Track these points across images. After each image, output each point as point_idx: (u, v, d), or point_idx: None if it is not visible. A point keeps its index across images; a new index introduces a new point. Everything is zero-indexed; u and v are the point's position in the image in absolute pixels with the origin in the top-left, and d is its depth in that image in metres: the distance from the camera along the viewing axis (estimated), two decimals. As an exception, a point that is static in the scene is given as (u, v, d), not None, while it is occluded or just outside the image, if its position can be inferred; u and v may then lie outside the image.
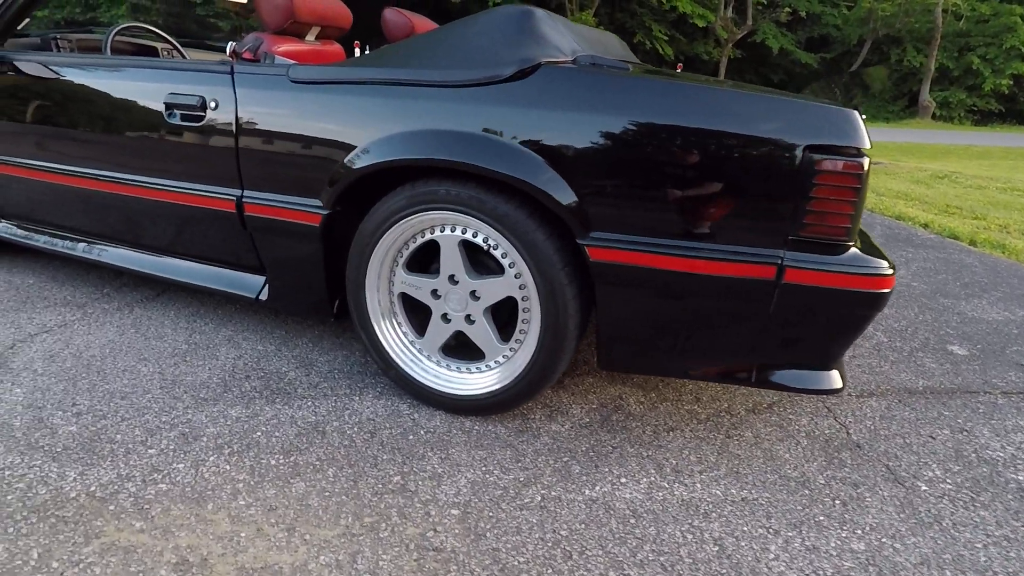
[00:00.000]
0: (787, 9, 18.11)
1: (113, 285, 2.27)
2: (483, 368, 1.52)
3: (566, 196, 1.27)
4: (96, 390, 1.57)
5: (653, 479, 1.37)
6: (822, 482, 1.39)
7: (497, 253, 1.40)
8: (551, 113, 1.27)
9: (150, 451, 1.35)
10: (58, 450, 1.34)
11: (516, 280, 1.41)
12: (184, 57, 2.46)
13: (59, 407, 1.49)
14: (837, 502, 1.33)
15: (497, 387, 1.47)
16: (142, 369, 1.69)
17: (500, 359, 1.49)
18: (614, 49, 1.90)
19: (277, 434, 1.44)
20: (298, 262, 1.61)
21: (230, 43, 1.70)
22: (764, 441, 1.54)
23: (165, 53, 2.44)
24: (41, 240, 2.11)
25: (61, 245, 2.07)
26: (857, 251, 1.20)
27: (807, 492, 1.36)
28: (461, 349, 1.56)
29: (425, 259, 1.54)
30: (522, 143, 1.28)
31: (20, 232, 2.15)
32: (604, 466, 1.41)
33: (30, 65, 1.84)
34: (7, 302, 2.08)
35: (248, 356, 1.80)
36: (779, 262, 1.19)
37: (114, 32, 2.09)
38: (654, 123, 1.21)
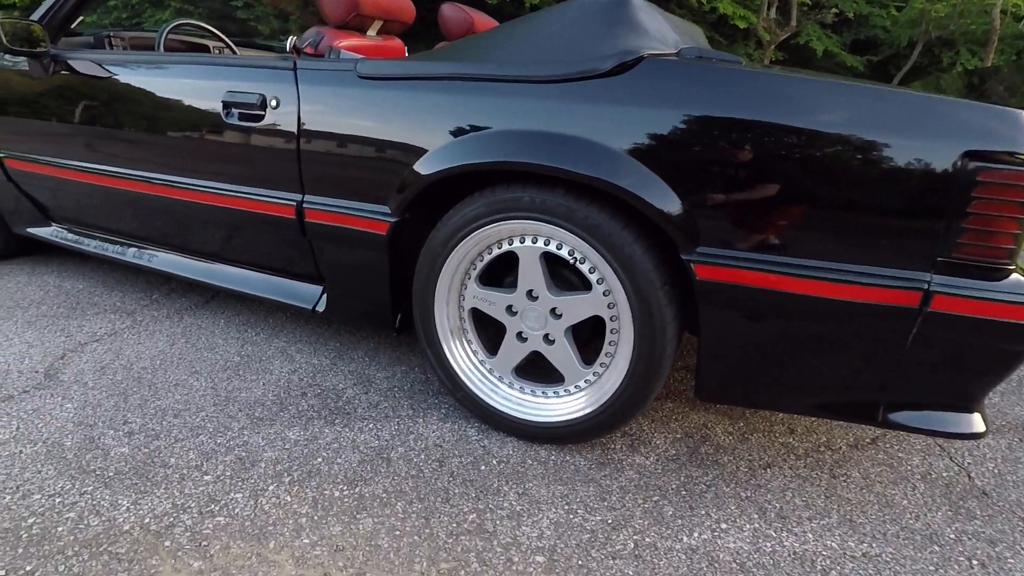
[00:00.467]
0: (834, 10, 17.55)
1: (161, 291, 2.20)
2: (561, 393, 1.38)
3: (672, 206, 1.12)
4: (148, 406, 1.48)
5: (757, 526, 1.22)
6: (952, 537, 1.22)
7: (584, 268, 1.26)
8: (657, 112, 1.13)
9: (206, 477, 1.25)
10: (110, 475, 1.24)
11: (605, 298, 1.27)
12: (237, 55, 2.38)
13: (110, 425, 1.40)
14: (974, 562, 1.16)
15: (580, 415, 1.33)
16: (194, 383, 1.60)
17: (582, 384, 1.35)
18: (701, 41, 1.75)
19: (339, 460, 1.32)
20: (361, 272, 1.49)
21: (291, 38, 1.60)
22: (875, 484, 1.36)
23: (217, 52, 2.37)
24: (91, 245, 2.05)
25: (111, 250, 2.01)
26: (1020, 277, 1.03)
27: (937, 549, 1.18)
28: (531, 370, 1.43)
29: (498, 271, 1.41)
30: (623, 146, 1.14)
31: (71, 236, 2.10)
32: (700, 508, 1.25)
33: (83, 63, 1.78)
34: (58, 308, 2.02)
35: (303, 371, 1.69)
36: (925, 287, 1.03)
37: (167, 29, 2.02)
38: (779, 124, 1.05)
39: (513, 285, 1.38)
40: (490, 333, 1.46)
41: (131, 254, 1.97)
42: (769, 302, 1.13)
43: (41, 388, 1.54)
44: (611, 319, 1.28)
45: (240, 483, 1.24)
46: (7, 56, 1.94)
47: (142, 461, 1.29)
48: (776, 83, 1.10)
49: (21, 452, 1.29)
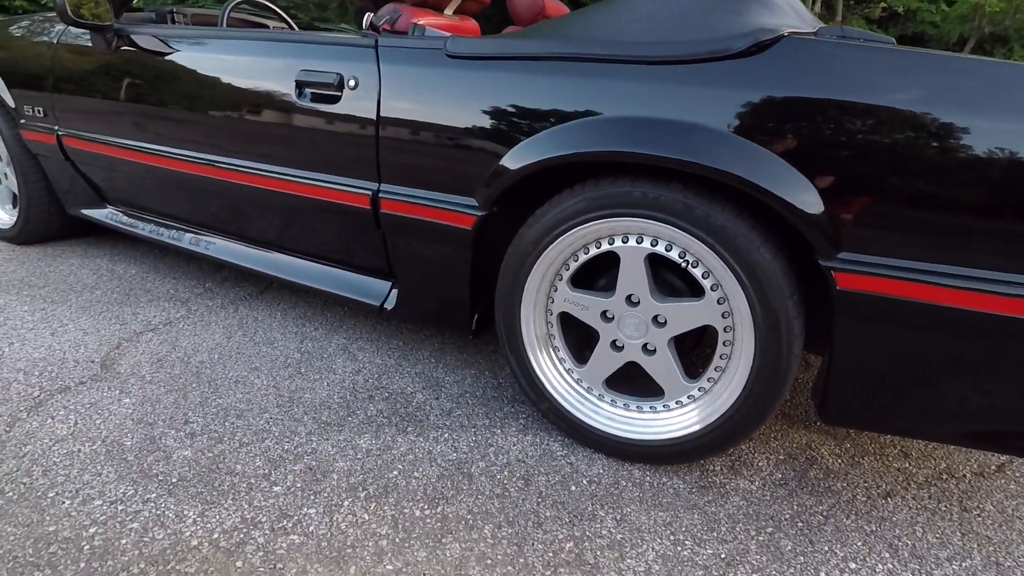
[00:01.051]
0: (881, 4, 16.94)
1: (214, 279, 2.12)
2: (660, 408, 1.25)
3: (814, 205, 0.98)
4: (209, 405, 1.39)
5: (891, 567, 1.07)
6: (1120, 589, 1.06)
7: (697, 272, 1.13)
8: (798, 98, 0.98)
9: (275, 488, 1.15)
10: (173, 481, 1.15)
11: (719, 306, 1.13)
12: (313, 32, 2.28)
13: (171, 424, 1.31)
14: None
15: (684, 433, 1.20)
16: (255, 381, 1.50)
17: (684, 399, 1.22)
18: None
19: (416, 474, 1.21)
20: (439, 269, 1.37)
21: (367, 15, 1.49)
22: (1015, 519, 1.21)
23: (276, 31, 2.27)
24: (146, 229, 1.97)
25: (166, 235, 1.93)
26: None
27: (1106, 604, 1.03)
28: (623, 381, 1.30)
29: (588, 272, 1.28)
30: (756, 136, 1.00)
31: (126, 219, 2.03)
32: (821, 542, 1.11)
33: (147, 39, 1.69)
34: (111, 293, 1.95)
35: (367, 371, 1.59)
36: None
37: (231, 5, 1.92)
38: (945, 115, 0.90)
39: (608, 288, 1.25)
40: (574, 339, 1.34)
41: (187, 240, 1.88)
42: (922, 316, 0.98)
43: (98, 380, 1.46)
44: (724, 330, 1.14)
45: (312, 496, 1.14)
46: (70, 29, 1.87)
47: (206, 467, 1.19)
48: (946, 65, 0.94)
49: (79, 451, 1.21)
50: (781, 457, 1.35)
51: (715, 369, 1.18)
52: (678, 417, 1.22)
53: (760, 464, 1.32)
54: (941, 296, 0.95)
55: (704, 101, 1.03)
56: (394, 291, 1.52)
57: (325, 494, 1.14)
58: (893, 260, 0.97)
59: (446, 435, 1.34)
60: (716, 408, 1.17)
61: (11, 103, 2.02)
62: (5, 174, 2.24)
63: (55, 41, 1.90)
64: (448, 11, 1.68)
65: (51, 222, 2.23)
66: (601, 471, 1.26)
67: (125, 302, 1.90)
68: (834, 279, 1.00)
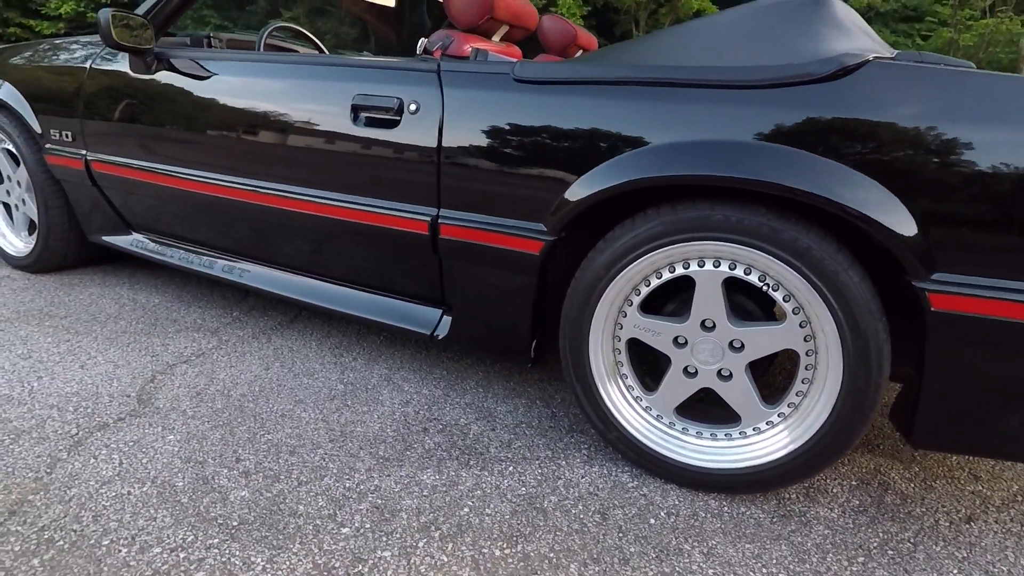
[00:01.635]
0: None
1: (241, 308, 2.07)
2: (735, 436, 1.21)
3: (907, 227, 0.96)
4: (258, 441, 1.33)
5: (992, 600, 1.04)
6: None
7: (777, 295, 1.10)
8: (886, 120, 0.97)
9: (344, 530, 1.09)
10: (234, 524, 1.09)
11: (801, 330, 1.10)
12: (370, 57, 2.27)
13: (222, 463, 1.25)
14: None
15: (763, 462, 1.16)
16: (302, 415, 1.44)
17: (762, 426, 1.18)
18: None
19: (488, 511, 1.16)
20: (500, 296, 1.34)
21: (420, 41, 1.47)
22: (1102, 546, 1.18)
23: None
24: (175, 256, 1.91)
25: (197, 262, 1.87)
26: None
27: None
28: (686, 408, 1.26)
29: (654, 296, 1.25)
30: (846, 159, 0.99)
31: (152, 247, 1.97)
32: (916, 571, 1.07)
33: (185, 62, 1.66)
34: (136, 324, 1.88)
35: (416, 402, 1.53)
36: None
37: (268, 31, 1.90)
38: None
39: (679, 313, 1.22)
40: (639, 366, 1.30)
41: (220, 267, 1.83)
42: (1017, 336, 0.96)
43: (137, 416, 1.39)
44: (807, 353, 1.12)
45: (384, 538, 1.08)
46: (103, 54, 1.83)
47: (267, 508, 1.13)
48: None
49: (130, 493, 1.14)
50: (854, 483, 1.31)
51: (796, 394, 1.15)
52: (759, 444, 1.18)
53: (835, 491, 1.28)
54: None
55: (791, 125, 1.02)
56: (446, 319, 1.48)
57: (397, 535, 1.08)
58: (987, 280, 0.96)
59: (510, 468, 1.29)
60: (800, 435, 1.13)
61: (37, 128, 1.97)
62: (23, 200, 2.18)
63: (87, 66, 1.86)
64: (495, 38, 1.67)
65: (69, 250, 2.17)
66: (677, 502, 1.22)
67: (152, 332, 1.83)
68: (928, 300, 0.98)
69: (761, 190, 1.02)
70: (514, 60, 1.27)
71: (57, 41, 2.05)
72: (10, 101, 2.02)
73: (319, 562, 1.01)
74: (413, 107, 1.31)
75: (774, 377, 1.72)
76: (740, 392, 1.18)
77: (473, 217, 1.29)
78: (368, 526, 1.10)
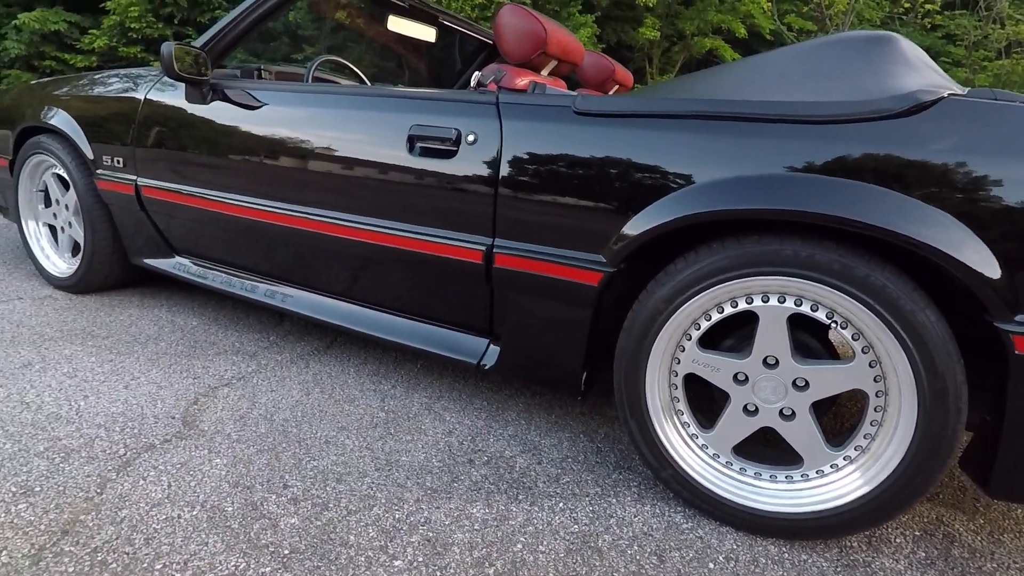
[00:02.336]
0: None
1: (277, 332, 2.07)
2: (797, 478, 1.18)
3: (989, 266, 0.95)
4: (304, 467, 1.31)
5: (1079, 664, 0.98)
6: None
7: (846, 333, 1.08)
8: (966, 157, 0.97)
9: (396, 563, 1.06)
10: (286, 552, 1.06)
11: (870, 370, 1.08)
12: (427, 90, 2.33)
13: (270, 488, 1.23)
14: None
15: (828, 508, 1.12)
16: (346, 442, 1.42)
17: (827, 469, 1.15)
18: None
19: (542, 548, 1.12)
20: (553, 326, 1.33)
21: (475, 74, 1.50)
22: None
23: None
24: (217, 280, 1.93)
25: (238, 286, 1.88)
26: None
27: None
28: (745, 447, 1.23)
29: (716, 332, 1.23)
30: (925, 196, 0.98)
31: (194, 270, 1.99)
32: (993, 635, 1.02)
33: (239, 92, 1.70)
34: (176, 345, 1.88)
35: (459, 432, 1.51)
36: None
37: (316, 63, 1.96)
38: None
39: (738, 349, 1.21)
40: (696, 401, 1.28)
41: (261, 292, 1.84)
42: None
43: (183, 438, 1.38)
44: (876, 394, 1.09)
45: (438, 572, 1.04)
46: (158, 85, 1.89)
47: (317, 537, 1.10)
48: None
49: (179, 516, 1.12)
50: (917, 533, 1.26)
51: (864, 436, 1.11)
52: (824, 488, 1.14)
53: (898, 541, 1.23)
54: None
55: (866, 160, 1.02)
56: (493, 348, 1.46)
57: (451, 570, 1.05)
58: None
59: (560, 504, 1.26)
60: (869, 479, 1.09)
61: (89, 154, 2.02)
62: (69, 223, 2.22)
63: (142, 96, 1.91)
64: (544, 72, 1.70)
65: (111, 272, 2.19)
66: (735, 546, 1.17)
67: (192, 355, 1.83)
68: (1012, 342, 0.95)
69: (838, 226, 1.01)
70: (574, 93, 1.28)
71: (112, 72, 2.12)
72: (65, 128, 2.08)
73: (374, 596, 0.98)
74: (471, 138, 1.33)
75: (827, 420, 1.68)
76: (803, 432, 1.15)
77: (530, 247, 1.29)
78: (421, 559, 1.07)
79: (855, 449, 1.12)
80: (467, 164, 1.33)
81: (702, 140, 1.13)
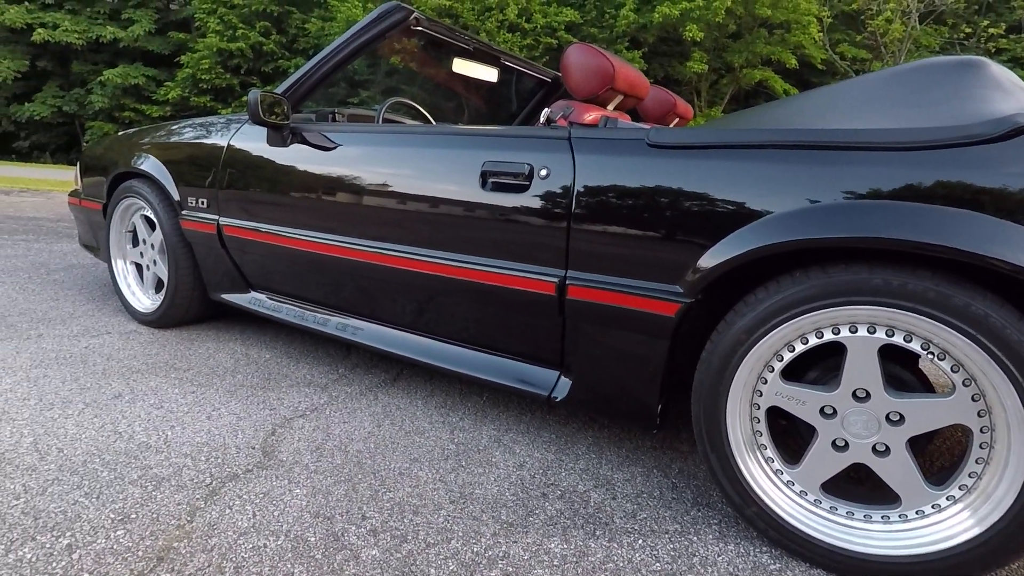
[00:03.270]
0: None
1: (346, 365, 2.12)
2: (894, 519, 1.11)
3: (1106, 293, 0.89)
4: (381, 499, 1.32)
5: None
6: None
7: (944, 365, 1.03)
8: (1072, 180, 0.92)
9: (478, 597, 1.05)
10: (369, 583, 1.07)
11: (973, 404, 1.02)
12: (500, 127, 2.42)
13: (350, 520, 1.24)
14: None
15: (930, 551, 1.05)
16: (420, 474, 1.43)
17: (928, 509, 1.08)
18: None
19: (625, 587, 1.09)
20: (628, 358, 1.32)
21: (544, 111, 1.54)
22: None
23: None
24: (289, 314, 2.01)
25: (311, 319, 1.95)
26: None
27: None
28: (834, 484, 1.17)
29: (800, 363, 1.19)
30: (1020, 221, 0.94)
31: (268, 304, 2.07)
32: None
33: (316, 135, 1.79)
34: (252, 378, 1.96)
35: (530, 466, 1.50)
36: None
37: (386, 105, 2.05)
38: None
39: (825, 381, 1.16)
40: (780, 435, 1.23)
41: (333, 325, 1.90)
42: None
43: (263, 468, 1.42)
44: (981, 430, 1.03)
45: (521, 609, 1.03)
46: (241, 131, 2.01)
47: (398, 569, 1.11)
48: None
49: (265, 546, 1.15)
50: (1031, 583, 1.17)
51: (969, 475, 1.05)
52: (928, 529, 1.07)
53: (1011, 591, 1.14)
54: None
55: (963, 186, 0.98)
56: (564, 380, 1.46)
57: (534, 607, 1.03)
58: None
59: (640, 541, 1.22)
60: (978, 521, 1.02)
61: (176, 196, 2.16)
62: (154, 261, 2.36)
63: (225, 142, 2.04)
64: (610, 107, 1.73)
65: (191, 307, 2.31)
66: (829, 592, 1.11)
67: (268, 387, 1.90)
68: None
69: (931, 253, 0.98)
70: (647, 126, 1.30)
71: (197, 120, 2.28)
72: (154, 172, 2.23)
73: (458, 631, 0.97)
74: (544, 172, 1.35)
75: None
76: (900, 470, 1.09)
77: (604, 279, 1.29)
78: (502, 596, 1.06)
79: (959, 488, 1.06)
80: (540, 198, 1.36)
81: (780, 169, 1.12)
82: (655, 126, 1.31)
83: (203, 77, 17.61)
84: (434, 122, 2.37)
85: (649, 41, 16.96)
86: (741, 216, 1.14)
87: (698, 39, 15.15)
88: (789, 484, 1.20)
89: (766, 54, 16.56)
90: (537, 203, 1.36)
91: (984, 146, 0.99)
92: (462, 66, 2.28)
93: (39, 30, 17.78)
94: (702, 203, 1.18)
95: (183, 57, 18.01)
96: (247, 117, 1.93)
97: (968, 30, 16.53)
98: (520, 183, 1.38)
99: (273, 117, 1.76)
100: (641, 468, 1.52)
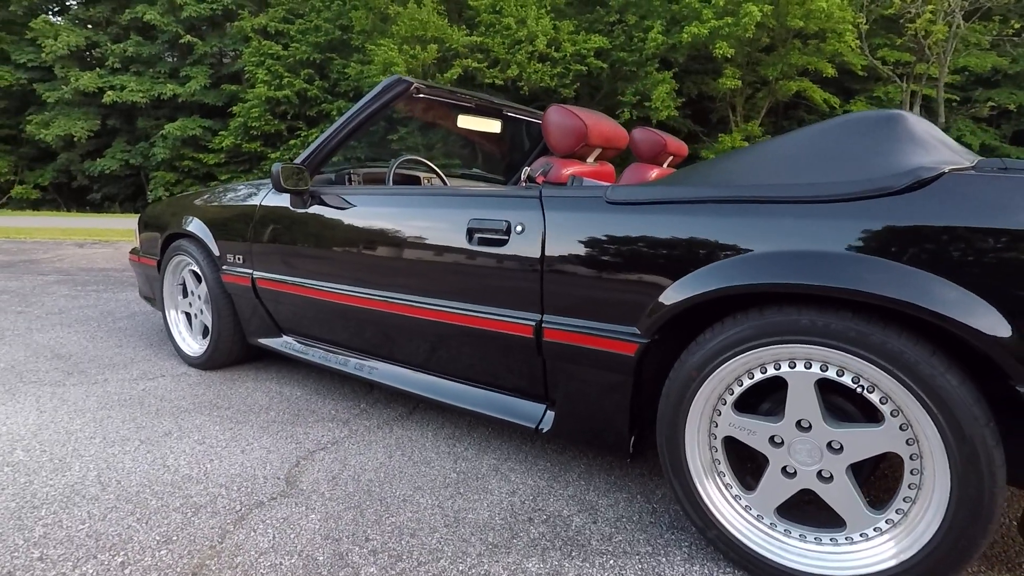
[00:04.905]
0: (989, 103, 16.50)
1: (367, 401, 2.32)
2: (841, 541, 1.20)
3: (1002, 330, 0.98)
4: (383, 523, 1.49)
5: None
6: None
7: (873, 397, 1.13)
8: (969, 228, 1.02)
9: (458, 610, 1.19)
10: (365, 597, 1.23)
11: (902, 433, 1.11)
12: (445, 184, 2.63)
13: (354, 541, 1.41)
14: None
15: (874, 571, 1.14)
16: (420, 500, 1.60)
17: (871, 532, 1.17)
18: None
19: (591, 603, 1.22)
20: (599, 393, 1.45)
21: (524, 169, 1.72)
22: None
23: (427, 180, 2.63)
24: (316, 355, 2.22)
25: (334, 360, 2.16)
26: None
27: None
28: (790, 509, 1.27)
29: (752, 395, 1.30)
30: (926, 265, 1.04)
31: (298, 347, 2.30)
32: None
33: (334, 198, 2.02)
34: (283, 414, 2.17)
35: (522, 492, 1.64)
36: None
37: (396, 164, 2.28)
38: None
39: (774, 413, 1.27)
40: (738, 465, 1.34)
41: (352, 365, 2.10)
42: None
43: (286, 496, 1.61)
44: (911, 457, 1.12)
45: (494, 620, 1.17)
46: (270, 194, 2.27)
47: (392, 585, 1.27)
48: None
49: (281, 564, 1.33)
50: (987, 602, 1.23)
51: (904, 500, 1.13)
52: (867, 551, 1.16)
53: (963, 609, 1.20)
54: None
55: (873, 235, 1.10)
56: (550, 413, 1.60)
57: (506, 619, 1.17)
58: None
59: (611, 561, 1.35)
60: (910, 543, 1.11)
61: (216, 252, 2.44)
62: (201, 310, 2.64)
63: (257, 203, 2.30)
64: (590, 159, 1.89)
65: (233, 350, 2.57)
66: (783, 608, 1.20)
67: (296, 422, 2.11)
68: (1034, 405, 0.97)
69: (845, 297, 1.09)
70: (607, 184, 1.45)
71: (233, 185, 2.57)
72: (198, 232, 2.52)
73: (437, 639, 1.12)
74: (519, 228, 1.52)
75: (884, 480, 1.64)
76: (843, 495, 1.19)
77: (573, 321, 1.44)
78: (480, 609, 1.20)
79: (896, 512, 1.14)
80: (517, 250, 1.53)
81: (717, 223, 1.25)
82: (613, 184, 1.46)
83: (253, 124, 18.76)
84: (441, 173, 2.59)
85: (679, 61, 17.05)
86: (685, 265, 1.28)
87: (729, 55, 15.13)
88: (747, 508, 1.30)
89: (802, 65, 16.35)
90: (515, 255, 1.53)
91: (890, 198, 1.10)
92: (467, 121, 2.49)
93: (109, 92, 19.39)
94: (652, 253, 1.33)
95: (235, 107, 19.23)
96: None
97: (1018, 25, 15.91)
98: (500, 237, 1.56)
99: (293, 185, 2.00)
100: (626, 494, 1.64)
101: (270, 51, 18.92)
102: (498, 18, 16.53)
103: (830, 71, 16.23)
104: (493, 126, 2.61)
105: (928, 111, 16.77)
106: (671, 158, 2.46)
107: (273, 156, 18.65)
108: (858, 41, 16.06)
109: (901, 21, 16.08)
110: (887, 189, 1.10)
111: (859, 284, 1.07)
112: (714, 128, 19.36)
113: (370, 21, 17.28)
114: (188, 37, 20.13)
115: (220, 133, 19.61)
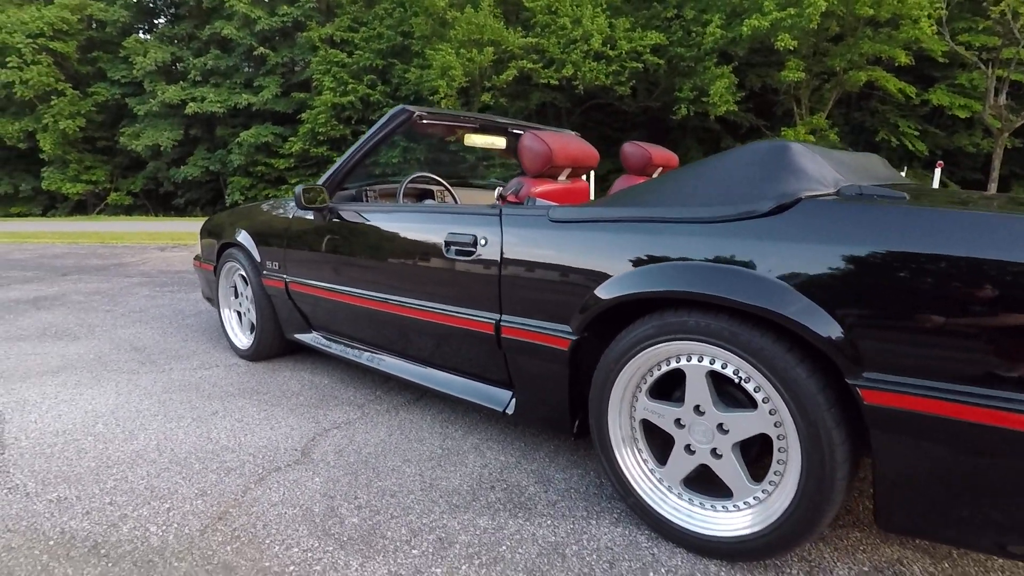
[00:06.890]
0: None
1: (383, 388, 2.66)
2: (730, 508, 1.42)
3: (834, 332, 1.18)
4: (372, 486, 1.81)
5: None
6: None
7: (749, 387, 1.34)
8: (814, 247, 1.22)
9: (413, 551, 1.50)
10: (344, 539, 1.55)
11: (771, 417, 1.32)
12: (455, 197, 2.94)
13: (345, 498, 1.74)
14: None
15: (747, 532, 1.36)
16: (406, 470, 1.91)
17: (751, 500, 1.38)
18: (878, 172, 1.80)
19: (520, 551, 1.49)
20: (545, 381, 1.72)
21: (497, 188, 2.00)
22: None
23: (440, 194, 2.95)
24: (337, 348, 2.59)
25: (351, 353, 2.52)
26: None
27: None
28: (704, 482, 1.49)
29: (669, 385, 1.53)
30: (781, 277, 1.25)
31: (324, 341, 2.68)
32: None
33: (349, 213, 2.37)
34: (311, 399, 2.55)
35: (492, 466, 1.93)
36: None
37: (407, 181, 2.61)
38: (930, 255, 1.10)
39: (680, 399, 1.50)
40: (660, 444, 1.57)
41: (365, 357, 2.45)
42: (946, 431, 1.10)
43: (299, 463, 1.97)
44: (778, 438, 1.32)
45: (439, 560, 1.46)
46: (298, 210, 2.66)
47: (367, 531, 1.59)
48: (922, 217, 1.14)
49: (286, 513, 1.68)
50: (865, 568, 1.41)
51: (775, 474, 1.34)
52: (742, 517, 1.38)
53: (840, 573, 1.39)
54: (958, 411, 1.08)
55: (743, 252, 1.31)
56: (513, 399, 1.88)
57: (449, 560, 1.46)
58: (910, 379, 1.13)
59: (548, 522, 1.61)
60: (773, 511, 1.32)
61: (258, 258, 2.85)
62: (248, 309, 3.07)
63: (291, 216, 2.69)
64: (562, 177, 2.14)
65: (274, 344, 2.98)
66: (679, 563, 1.44)
67: (320, 405, 2.48)
68: (860, 395, 1.17)
69: (719, 303, 1.31)
70: (553, 204, 1.71)
71: (273, 200, 2.97)
72: (244, 242, 2.94)
73: (392, 570, 1.43)
74: (483, 241, 1.80)
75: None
76: (730, 469, 1.40)
77: (523, 320, 1.72)
78: (431, 551, 1.50)
79: (770, 484, 1.35)
80: (481, 260, 1.81)
81: (628, 239, 1.49)
82: (556, 205, 1.72)
83: (320, 130, 19.84)
84: (449, 187, 2.90)
85: (739, 54, 16.64)
86: (605, 274, 1.52)
87: (792, 47, 14.64)
88: (660, 480, 1.54)
89: (873, 53, 15.59)
90: (480, 264, 1.82)
91: (758, 220, 1.31)
92: (473, 139, 2.79)
93: (191, 104, 21.04)
94: (582, 264, 1.58)
95: (304, 114, 20.40)
96: None
97: (1123, -1, 14.55)
98: (468, 249, 1.84)
99: (312, 203, 2.36)
100: (580, 471, 1.89)
101: (336, 59, 19.93)
102: (554, 18, 16.69)
103: (903, 59, 15.38)
104: (499, 143, 2.90)
105: (1017, 99, 15.61)
106: (659, 169, 2.66)
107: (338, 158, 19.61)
108: (935, 27, 15.14)
109: (985, 3, 15.04)
110: (754, 212, 1.31)
111: (729, 292, 1.29)
112: (779, 122, 18.74)
113: (429, 26, 17.87)
114: (261, 49, 21.49)
115: (290, 139, 20.85)
